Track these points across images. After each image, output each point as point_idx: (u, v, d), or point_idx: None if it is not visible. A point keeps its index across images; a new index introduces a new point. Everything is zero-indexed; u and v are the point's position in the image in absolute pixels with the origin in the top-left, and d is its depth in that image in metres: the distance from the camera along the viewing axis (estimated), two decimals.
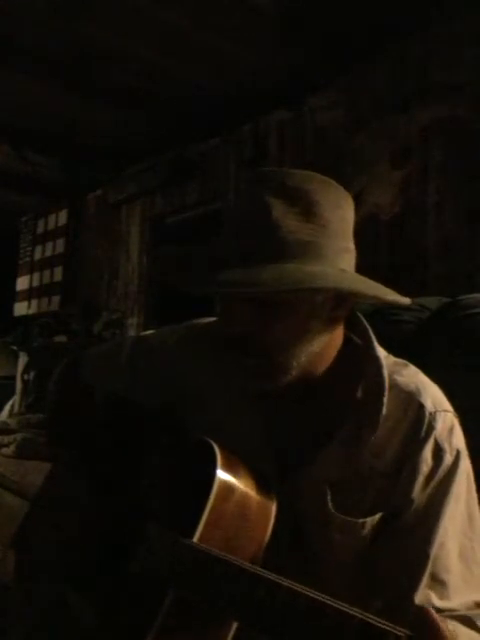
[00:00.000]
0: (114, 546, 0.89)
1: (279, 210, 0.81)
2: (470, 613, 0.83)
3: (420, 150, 2.64)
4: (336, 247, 0.84)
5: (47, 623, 0.94)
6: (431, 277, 2.54)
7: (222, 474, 0.82)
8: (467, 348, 1.56)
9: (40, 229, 5.52)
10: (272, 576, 0.70)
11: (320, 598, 0.66)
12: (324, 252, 0.82)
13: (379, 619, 0.62)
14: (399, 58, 2.72)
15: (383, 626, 0.61)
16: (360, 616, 0.62)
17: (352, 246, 0.89)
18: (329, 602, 0.65)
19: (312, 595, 0.66)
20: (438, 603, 0.84)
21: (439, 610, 0.83)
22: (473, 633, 0.82)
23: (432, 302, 1.77)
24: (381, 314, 1.72)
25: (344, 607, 0.64)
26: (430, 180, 2.59)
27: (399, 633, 0.60)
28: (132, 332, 4.40)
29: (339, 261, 0.84)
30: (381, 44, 2.70)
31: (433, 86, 2.58)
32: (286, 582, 0.69)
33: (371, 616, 0.62)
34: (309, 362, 0.88)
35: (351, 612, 0.63)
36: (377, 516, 0.89)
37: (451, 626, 0.73)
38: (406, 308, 1.75)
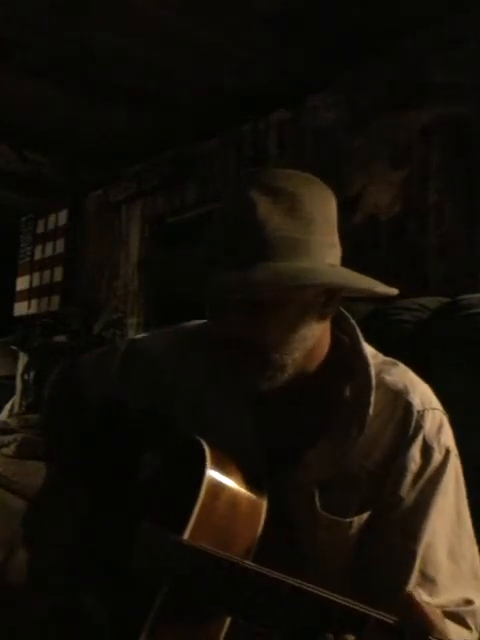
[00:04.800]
0: (112, 545, 0.89)
1: (265, 208, 0.82)
2: (459, 609, 0.84)
3: (420, 150, 2.64)
4: (322, 243, 0.85)
5: (59, 620, 0.95)
6: (431, 277, 2.54)
7: (211, 472, 0.83)
8: (467, 348, 1.56)
9: (40, 229, 5.51)
10: (258, 567, 0.72)
11: (301, 585, 0.68)
12: (311, 248, 0.83)
13: (362, 605, 0.64)
14: (399, 58, 2.72)
15: (364, 610, 0.63)
16: (342, 602, 0.65)
17: (337, 241, 0.89)
18: (310, 589, 0.67)
19: (293, 582, 0.69)
20: (427, 600, 0.83)
21: None
22: (462, 629, 0.82)
23: (432, 302, 1.77)
24: (381, 314, 1.73)
25: (325, 593, 0.66)
26: (430, 180, 2.59)
27: (379, 616, 0.62)
28: (132, 332, 4.40)
29: (326, 256, 0.85)
30: (381, 44, 2.69)
31: (433, 86, 2.58)
32: (270, 572, 0.71)
33: (352, 601, 0.65)
34: (303, 359, 0.89)
35: (331, 597, 0.65)
36: (365, 515, 0.89)
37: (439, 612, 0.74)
38: (406, 308, 1.75)
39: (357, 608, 0.64)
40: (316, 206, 0.85)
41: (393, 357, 0.99)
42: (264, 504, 0.85)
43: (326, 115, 3.08)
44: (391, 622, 0.62)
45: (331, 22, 2.58)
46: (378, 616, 0.63)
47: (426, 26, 2.55)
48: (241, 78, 3.09)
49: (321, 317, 0.88)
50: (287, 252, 0.81)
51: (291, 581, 0.69)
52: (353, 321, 0.97)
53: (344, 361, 0.94)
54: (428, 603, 0.65)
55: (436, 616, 0.63)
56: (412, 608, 0.63)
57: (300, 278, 0.80)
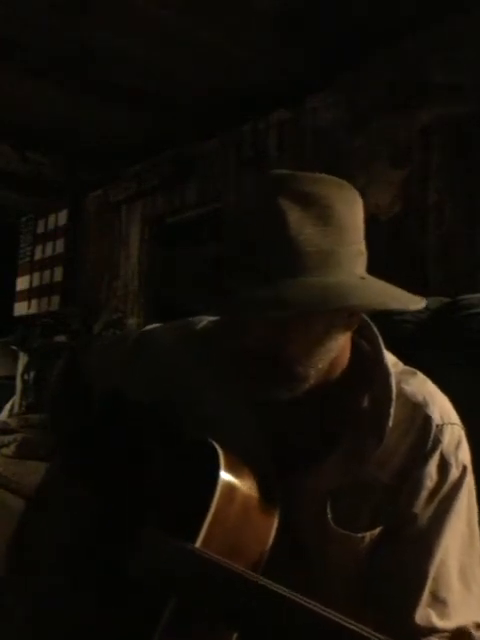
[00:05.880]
0: (112, 548, 0.87)
1: (295, 218, 0.78)
2: (472, 634, 0.82)
3: (420, 150, 2.63)
4: (352, 252, 0.82)
5: (40, 620, 0.93)
6: (431, 277, 2.54)
7: (225, 475, 0.80)
8: (467, 348, 1.56)
9: (40, 229, 5.51)
10: (274, 586, 0.69)
11: (324, 613, 0.64)
12: (342, 260, 0.80)
13: (375, 633, 0.61)
14: (399, 58, 2.72)
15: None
16: (359, 630, 0.61)
17: (364, 247, 0.86)
18: (333, 617, 0.64)
19: (314, 608, 0.65)
20: (438, 623, 0.83)
21: (439, 630, 0.82)
22: None
23: (432, 302, 1.77)
24: (381, 314, 1.72)
25: (350, 623, 0.62)
26: (430, 180, 2.59)
27: None
28: None
29: (356, 267, 0.82)
30: (381, 44, 2.69)
31: (433, 86, 2.58)
32: (289, 593, 0.68)
33: (368, 630, 0.61)
34: (326, 368, 0.86)
35: (352, 627, 0.62)
36: (377, 530, 0.87)
37: None
38: None
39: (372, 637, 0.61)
40: (346, 212, 0.82)
41: (402, 364, 0.97)
42: (277, 509, 0.83)
43: (326, 115, 3.08)
44: None
45: (331, 22, 2.58)
46: None
47: (426, 26, 2.54)
48: (241, 78, 3.09)
49: (346, 328, 0.86)
50: (319, 266, 0.77)
51: (309, 604, 0.66)
52: (375, 329, 0.94)
53: (364, 369, 0.91)
54: None
55: None
56: None
57: (333, 300, 0.76)
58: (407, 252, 2.64)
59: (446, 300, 1.76)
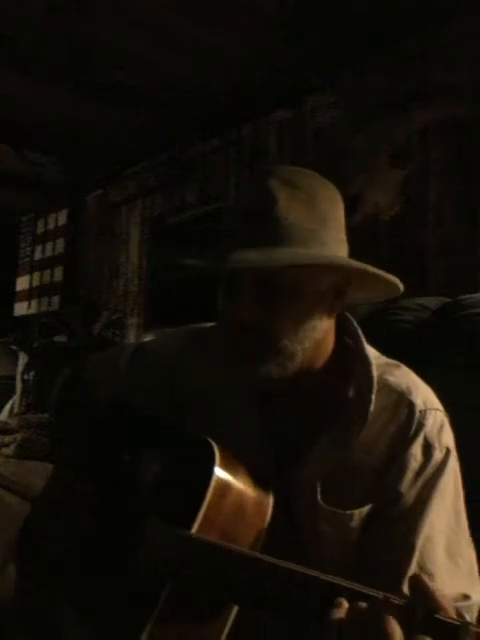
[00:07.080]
0: (115, 545, 0.90)
1: (285, 201, 0.86)
2: (456, 605, 0.84)
3: (420, 150, 2.64)
4: (335, 237, 0.90)
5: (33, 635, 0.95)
6: (431, 277, 2.54)
7: (219, 472, 0.84)
8: (467, 348, 1.56)
9: (40, 229, 5.52)
10: (270, 558, 0.75)
11: (313, 573, 0.72)
12: (326, 240, 0.88)
13: (370, 588, 0.68)
14: (399, 58, 2.72)
15: (373, 593, 0.67)
16: (352, 586, 0.69)
17: (345, 239, 0.94)
18: (321, 576, 0.71)
19: (304, 571, 0.72)
20: None
21: None
22: None
23: (432, 302, 1.77)
24: (381, 314, 1.73)
25: (336, 579, 0.70)
26: (430, 180, 2.59)
27: (379, 595, 0.66)
28: (132, 332, 4.40)
29: (338, 250, 0.91)
30: (381, 44, 2.70)
31: (433, 86, 2.58)
32: (281, 561, 0.74)
33: (362, 586, 0.69)
34: (310, 353, 0.91)
35: (343, 583, 0.70)
36: (366, 508, 0.91)
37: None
38: (406, 308, 1.75)
39: (366, 591, 0.67)
40: (329, 205, 0.91)
41: (393, 357, 1.00)
42: (270, 504, 0.87)
43: (326, 115, 3.09)
44: (400, 603, 0.65)
45: (331, 22, 2.58)
46: (387, 596, 0.66)
47: (426, 26, 2.55)
48: (241, 78, 3.09)
49: (330, 311, 0.92)
50: (306, 241, 0.86)
51: (302, 570, 0.72)
52: (356, 324, 1.00)
53: (347, 362, 0.96)
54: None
55: (443, 597, 0.64)
56: (422, 589, 0.65)
57: (319, 259, 0.85)
58: (407, 252, 2.65)
59: (446, 300, 1.77)
